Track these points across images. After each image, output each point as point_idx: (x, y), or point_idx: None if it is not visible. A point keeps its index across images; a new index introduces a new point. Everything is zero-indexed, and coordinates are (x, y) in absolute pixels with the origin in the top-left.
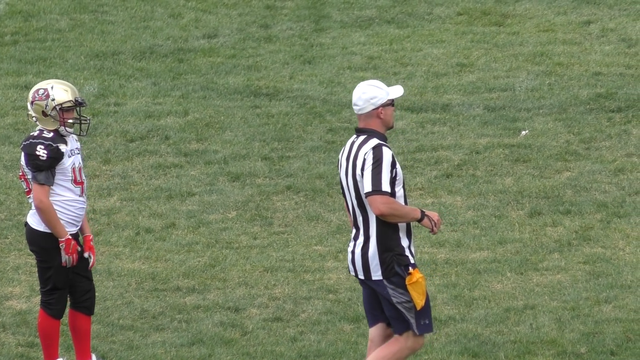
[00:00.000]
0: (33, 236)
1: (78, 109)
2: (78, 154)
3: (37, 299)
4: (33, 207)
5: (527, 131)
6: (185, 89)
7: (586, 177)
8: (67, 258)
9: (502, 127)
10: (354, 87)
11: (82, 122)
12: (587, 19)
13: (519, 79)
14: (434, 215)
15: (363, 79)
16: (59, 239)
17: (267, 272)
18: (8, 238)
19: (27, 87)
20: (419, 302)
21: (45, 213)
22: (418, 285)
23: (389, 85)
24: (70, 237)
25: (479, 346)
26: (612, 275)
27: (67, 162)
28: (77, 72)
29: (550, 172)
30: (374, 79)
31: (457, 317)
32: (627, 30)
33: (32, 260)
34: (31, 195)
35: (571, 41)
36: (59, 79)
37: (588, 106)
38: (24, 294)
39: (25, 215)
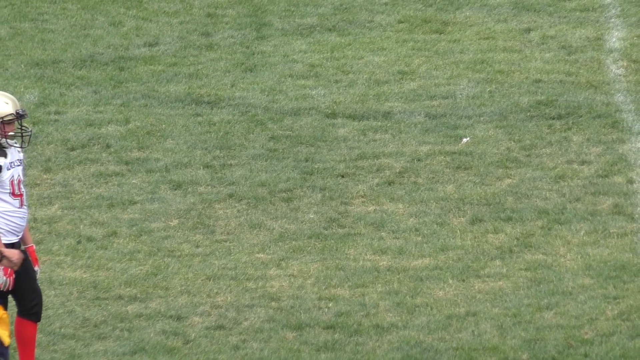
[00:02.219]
0: None
1: (19, 120)
2: (19, 165)
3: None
4: None
5: (468, 139)
6: (127, 97)
7: (527, 184)
8: (4, 280)
9: (444, 134)
10: (295, 95)
11: (24, 134)
12: (527, 27)
13: (460, 87)
14: (14, 254)
15: (304, 86)
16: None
17: (210, 280)
18: None
19: None
20: (6, 340)
21: None
22: (2, 322)
23: (331, 92)
24: (2, 251)
25: (421, 353)
26: (553, 281)
27: (5, 175)
28: (18, 81)
29: (492, 179)
30: (315, 86)
31: (399, 324)
32: (567, 38)
33: None
34: None
35: (511, 49)
36: (1, 89)
37: (529, 113)
38: None
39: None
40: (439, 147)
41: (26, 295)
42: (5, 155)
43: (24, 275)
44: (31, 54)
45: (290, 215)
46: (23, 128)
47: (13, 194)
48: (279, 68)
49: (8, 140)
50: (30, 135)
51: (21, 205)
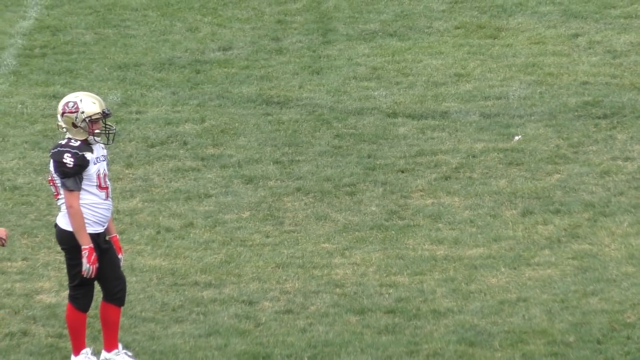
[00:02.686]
0: (62, 236)
1: (105, 119)
2: (104, 160)
3: (66, 293)
4: (62, 209)
5: (520, 136)
6: (202, 97)
7: (574, 179)
8: (87, 267)
9: (497, 132)
10: (359, 96)
11: (109, 132)
12: (575, 32)
13: (512, 88)
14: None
15: (367, 88)
16: (82, 247)
17: (279, 268)
18: (38, 237)
19: (55, 97)
20: None
21: (74, 218)
22: None
23: (391, 93)
24: (92, 246)
25: (475, 336)
26: (598, 269)
27: (93, 169)
28: (102, 83)
29: (541, 174)
30: (377, 88)
31: (455, 309)
32: (612, 43)
33: (60, 257)
34: (59, 198)
35: (560, 53)
36: (84, 89)
37: (576, 113)
38: (53, 288)
39: (54, 216)
40: (492, 145)
41: (110, 281)
42: (91, 151)
43: (109, 263)
44: (114, 57)
45: (354, 208)
46: (107, 126)
47: (99, 187)
48: (343, 71)
49: (95, 137)
50: (115, 133)
51: (106, 197)
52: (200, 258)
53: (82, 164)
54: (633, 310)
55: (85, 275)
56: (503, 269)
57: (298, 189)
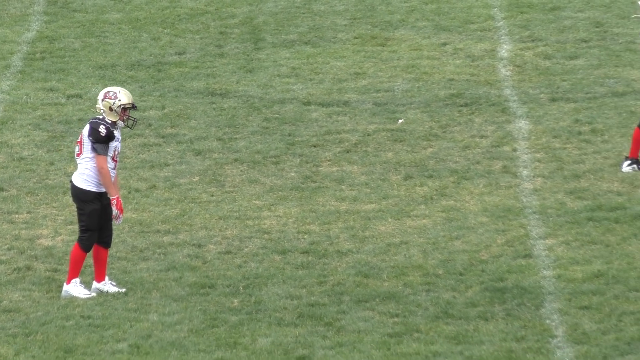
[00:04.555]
0: (75, 191)
1: (132, 109)
2: (119, 142)
3: (60, 238)
4: (79, 169)
5: (402, 120)
6: (163, 90)
7: (443, 152)
8: (116, 212)
9: (385, 117)
10: (282, 89)
11: (133, 120)
12: (444, 42)
13: (397, 83)
14: None
15: (288, 83)
16: (111, 197)
17: (221, 220)
18: (39, 196)
19: (52, 90)
20: None
21: (103, 176)
22: None
23: (306, 87)
24: (119, 197)
25: (368, 270)
26: (460, 220)
27: (113, 144)
28: (87, 79)
29: (419, 148)
30: (295, 83)
31: (353, 250)
32: (471, 50)
33: (55, 211)
34: (80, 157)
35: (433, 57)
36: (73, 85)
37: (445, 102)
38: (50, 234)
39: (52, 180)
40: (382, 126)
41: (103, 230)
42: (115, 131)
43: (105, 215)
44: (96, 60)
45: (278, 174)
46: (131, 117)
47: (112, 159)
48: (270, 70)
49: (123, 122)
50: (135, 122)
51: (114, 167)
52: (161, 212)
53: (110, 136)
54: (486, 250)
55: (114, 218)
56: (390, 220)
57: (235, 160)
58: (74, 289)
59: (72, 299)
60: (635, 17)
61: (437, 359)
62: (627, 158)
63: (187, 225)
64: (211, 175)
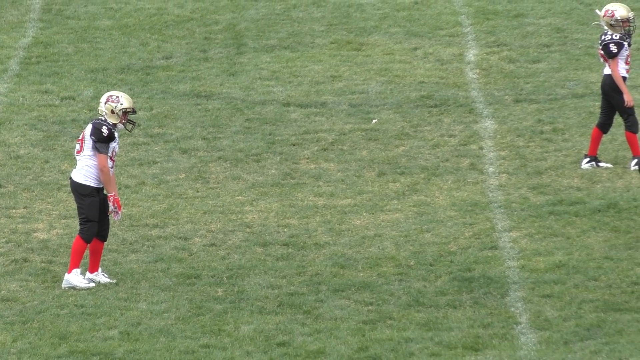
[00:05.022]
0: (75, 186)
1: (132, 113)
2: (117, 143)
3: (55, 231)
4: (78, 166)
5: (376, 120)
6: (151, 92)
7: (414, 150)
8: (112, 208)
9: (360, 117)
10: (263, 91)
11: (132, 123)
12: (415, 47)
13: (371, 86)
14: None
15: (269, 85)
16: (108, 194)
17: (206, 214)
18: (34, 192)
19: (47, 92)
20: None
21: (104, 174)
22: None
23: (286, 89)
24: (116, 194)
25: (344, 261)
26: (430, 214)
27: (112, 145)
28: (79, 82)
29: (391, 147)
30: (276, 85)
31: (330, 242)
32: (440, 54)
33: (50, 206)
34: (80, 155)
35: (404, 61)
36: (67, 87)
37: (416, 103)
38: (45, 228)
39: (47, 177)
40: (357, 126)
41: (101, 224)
42: (115, 131)
43: (103, 211)
44: (88, 64)
45: (259, 171)
46: (130, 121)
47: (111, 158)
48: (251, 73)
49: (123, 124)
50: (134, 125)
51: (112, 166)
52: (150, 207)
53: (111, 137)
54: (455, 243)
55: (112, 215)
56: (364, 214)
57: (219, 158)
58: (75, 278)
59: (67, 289)
60: (595, 24)
61: (409, 345)
62: (586, 155)
63: (174, 220)
64: (196, 172)
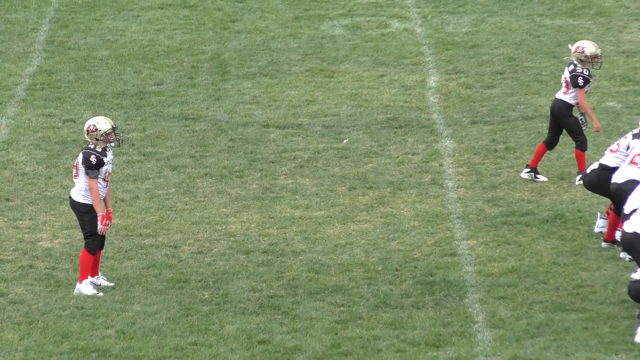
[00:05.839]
0: (75, 204)
1: (114, 131)
2: (110, 163)
3: (58, 240)
4: (76, 186)
5: (347, 140)
6: (144, 115)
7: (382, 167)
8: (100, 227)
9: (333, 137)
10: (245, 114)
11: (119, 138)
12: (382, 74)
13: (342, 109)
14: None
15: (250, 109)
16: (97, 214)
17: (193, 225)
18: (39, 205)
19: (50, 116)
20: None
21: (93, 195)
22: None
23: (266, 112)
24: (104, 214)
25: (319, 267)
26: (396, 224)
27: (104, 169)
28: (79, 106)
29: (361, 164)
30: (257, 109)
31: (306, 250)
32: (404, 81)
33: (53, 218)
34: (77, 179)
35: (372, 87)
36: (68, 111)
37: (383, 125)
38: (49, 238)
39: (51, 192)
40: (330, 145)
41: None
42: (106, 155)
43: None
44: (87, 90)
45: (242, 186)
46: (117, 134)
47: (104, 179)
48: (235, 98)
49: (110, 144)
50: (121, 139)
51: (105, 186)
52: (143, 218)
53: (99, 163)
54: (418, 250)
55: (98, 232)
56: (337, 224)
57: (206, 174)
58: (85, 288)
59: (67, 293)
60: (567, 59)
61: (377, 342)
62: (527, 166)
63: (165, 230)
64: (185, 187)
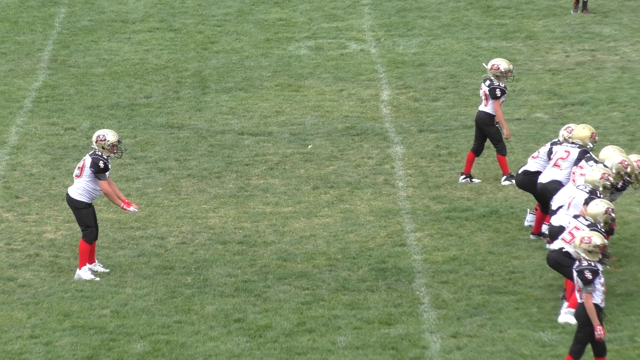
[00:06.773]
0: (72, 201)
1: (118, 144)
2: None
3: (60, 232)
4: (75, 184)
5: (311, 145)
6: (135, 124)
7: (341, 169)
8: (133, 208)
9: (299, 143)
10: (223, 123)
11: (121, 150)
12: (341, 89)
13: (307, 119)
14: None
15: (227, 118)
16: (122, 206)
17: (178, 219)
18: (44, 202)
19: (54, 124)
20: None
21: (108, 195)
22: None
23: (241, 121)
24: (126, 200)
25: (287, 256)
26: (354, 219)
27: (107, 173)
28: (79, 117)
29: (323, 166)
30: (233, 118)
31: (276, 241)
32: (361, 94)
33: (57, 212)
34: (79, 179)
35: (333, 100)
36: (69, 121)
37: (342, 132)
38: (53, 230)
39: (54, 190)
40: (296, 150)
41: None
42: (109, 162)
43: (94, 216)
44: (86, 102)
45: (220, 185)
46: (120, 147)
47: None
48: (214, 109)
49: (113, 154)
50: (123, 152)
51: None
52: (134, 213)
53: (106, 168)
54: (373, 241)
55: (133, 212)
56: (302, 219)
57: (189, 175)
58: (84, 273)
59: (69, 277)
60: (485, 76)
61: (337, 321)
62: (462, 173)
63: (153, 223)
64: (171, 186)
